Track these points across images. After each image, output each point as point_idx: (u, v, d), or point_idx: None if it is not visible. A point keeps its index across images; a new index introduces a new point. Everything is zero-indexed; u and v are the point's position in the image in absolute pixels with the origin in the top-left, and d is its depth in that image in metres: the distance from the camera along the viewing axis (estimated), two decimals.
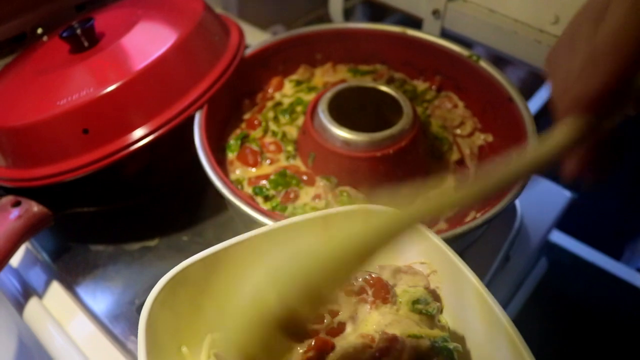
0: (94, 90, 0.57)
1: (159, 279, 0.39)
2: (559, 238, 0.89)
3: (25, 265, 0.66)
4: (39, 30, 0.78)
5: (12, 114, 0.60)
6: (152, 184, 0.66)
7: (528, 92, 1.27)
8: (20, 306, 0.61)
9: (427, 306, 0.39)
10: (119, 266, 0.64)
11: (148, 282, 0.62)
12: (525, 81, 1.30)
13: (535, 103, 1.19)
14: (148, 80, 0.59)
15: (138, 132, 0.58)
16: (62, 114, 0.57)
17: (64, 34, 0.64)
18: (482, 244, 0.64)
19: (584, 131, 0.30)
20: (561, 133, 0.31)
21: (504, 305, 0.71)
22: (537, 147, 0.32)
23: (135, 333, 0.50)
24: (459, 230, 0.49)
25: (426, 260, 0.43)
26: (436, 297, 0.41)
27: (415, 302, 0.39)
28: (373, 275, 0.40)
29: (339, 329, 0.38)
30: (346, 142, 0.57)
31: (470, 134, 0.66)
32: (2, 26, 0.76)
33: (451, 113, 0.67)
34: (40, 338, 0.59)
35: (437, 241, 0.41)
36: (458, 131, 0.66)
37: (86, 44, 0.64)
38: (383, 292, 0.39)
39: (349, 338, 0.37)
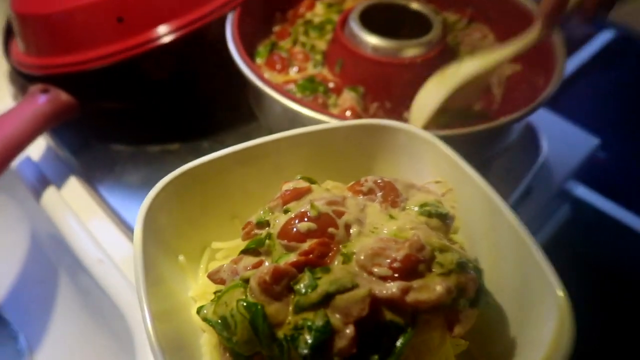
0: None
1: None
2: (585, 194, 0.88)
3: (45, 160, 0.67)
4: None
5: (47, 1, 0.61)
6: (179, 87, 0.66)
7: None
8: (37, 195, 0.62)
9: (437, 208, 0.37)
10: (139, 166, 0.64)
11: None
12: None
13: None
14: None
15: (172, 25, 0.58)
16: (100, 1, 0.57)
17: None
18: (506, 172, 0.64)
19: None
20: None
21: None
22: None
23: None
24: (484, 126, 0.49)
25: (441, 179, 0.41)
26: (451, 217, 0.38)
27: (424, 204, 0.37)
28: (384, 179, 0.38)
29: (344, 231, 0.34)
30: (375, 48, 0.57)
31: None
32: None
33: (480, 42, 0.67)
34: (57, 225, 0.59)
35: (454, 156, 0.39)
36: None
37: None
38: (393, 195, 0.37)
39: (356, 241, 0.33)
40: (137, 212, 0.57)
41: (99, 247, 0.57)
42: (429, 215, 0.36)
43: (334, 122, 0.44)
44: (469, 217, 0.39)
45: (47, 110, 0.59)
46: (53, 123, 0.60)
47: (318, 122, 0.49)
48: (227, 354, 0.32)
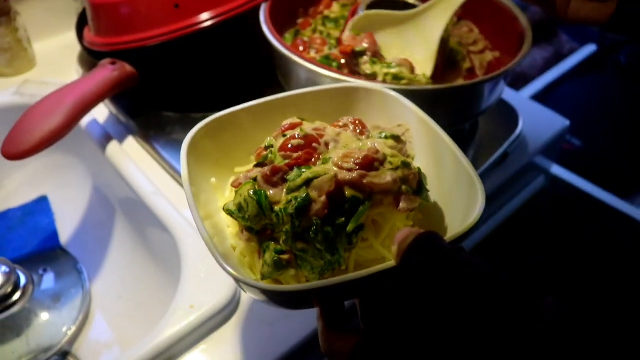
0: None
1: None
2: (559, 171, 1.02)
3: (108, 123, 0.81)
4: None
5: None
6: (219, 64, 0.80)
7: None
8: (103, 148, 0.76)
9: (392, 132, 0.50)
10: (185, 128, 0.78)
11: None
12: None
13: None
14: None
15: (217, 11, 0.73)
16: None
17: None
18: (488, 138, 0.78)
19: None
20: None
21: (498, 202, 0.84)
22: None
23: None
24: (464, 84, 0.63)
25: (402, 123, 0.55)
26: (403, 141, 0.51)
27: (383, 131, 0.50)
28: (357, 118, 0.52)
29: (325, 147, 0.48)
30: None
31: (482, 51, 0.80)
32: None
33: (467, 35, 0.82)
34: (119, 169, 0.73)
35: (412, 106, 0.53)
36: (472, 48, 0.80)
37: None
38: (361, 127, 0.51)
39: (332, 151, 0.47)
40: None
41: (153, 184, 0.71)
42: (386, 137, 0.49)
43: (326, 85, 0.58)
44: (421, 146, 0.53)
45: (115, 77, 0.73)
46: (118, 88, 0.74)
47: (334, 81, 0.63)
48: (244, 232, 0.46)
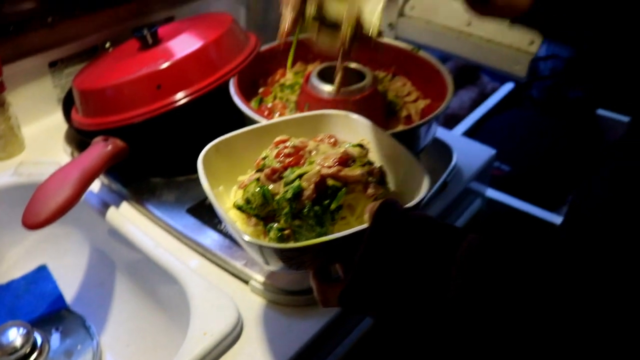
0: (164, 62, 0.87)
1: (201, 196, 0.78)
2: (496, 195, 1.19)
3: (103, 192, 0.92)
4: (107, 44, 1.08)
5: (104, 79, 0.89)
6: (198, 133, 0.93)
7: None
8: (102, 214, 0.87)
9: (357, 143, 0.67)
10: (172, 190, 0.90)
11: (193, 197, 0.88)
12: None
13: None
14: (197, 58, 0.89)
15: (194, 87, 0.87)
16: (144, 75, 0.86)
17: (137, 34, 0.94)
18: (429, 171, 0.93)
19: None
20: None
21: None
22: None
23: (183, 225, 0.83)
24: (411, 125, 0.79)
25: (364, 138, 0.72)
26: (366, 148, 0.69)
27: (350, 143, 0.66)
28: (330, 134, 0.69)
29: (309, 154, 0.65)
30: (329, 93, 0.86)
31: (415, 100, 0.96)
32: (82, 40, 1.06)
33: (402, 88, 0.98)
34: (119, 230, 0.84)
35: (372, 124, 0.72)
36: (407, 98, 0.96)
37: (151, 42, 0.94)
38: (334, 140, 0.68)
39: (315, 156, 0.64)
40: (175, 219, 0.83)
41: (153, 239, 0.82)
42: (353, 146, 0.66)
43: (305, 113, 0.75)
44: (379, 152, 0.70)
45: (109, 151, 0.85)
46: (113, 160, 0.86)
47: None
48: (251, 218, 0.62)
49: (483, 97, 1.69)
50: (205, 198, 0.85)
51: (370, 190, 0.61)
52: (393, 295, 0.49)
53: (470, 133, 1.48)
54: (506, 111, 1.57)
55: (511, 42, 1.02)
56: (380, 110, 0.92)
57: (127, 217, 0.87)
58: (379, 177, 0.63)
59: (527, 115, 1.52)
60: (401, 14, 1.06)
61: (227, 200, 0.68)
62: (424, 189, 0.60)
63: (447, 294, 0.45)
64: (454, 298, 0.45)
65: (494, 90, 1.71)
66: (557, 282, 0.45)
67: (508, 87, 1.67)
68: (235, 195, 0.67)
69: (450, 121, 1.58)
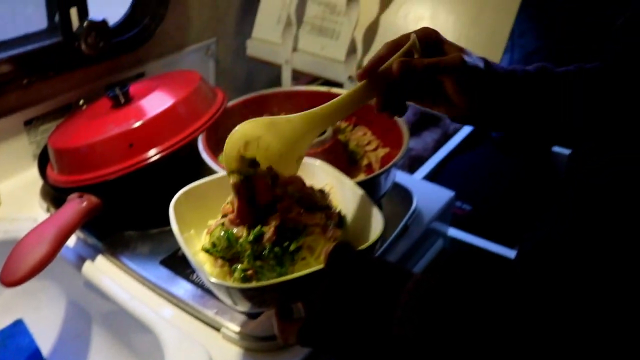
0: (136, 121, 0.92)
1: (174, 248, 0.82)
2: (458, 234, 1.25)
3: (78, 246, 0.96)
4: (81, 102, 1.13)
5: (78, 139, 0.93)
6: (168, 187, 0.98)
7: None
8: (78, 268, 0.90)
9: (320, 189, 0.73)
10: (146, 242, 0.94)
11: (166, 249, 0.92)
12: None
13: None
14: (167, 117, 0.94)
15: (164, 145, 0.91)
16: (117, 135, 0.90)
17: (110, 94, 0.99)
18: (391, 215, 0.99)
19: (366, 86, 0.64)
20: (358, 86, 0.64)
21: (406, 265, 1.04)
22: (348, 91, 0.65)
23: (157, 276, 0.86)
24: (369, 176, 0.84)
25: (327, 182, 0.78)
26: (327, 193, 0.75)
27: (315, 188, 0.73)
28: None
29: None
30: None
31: (375, 149, 1.02)
32: (56, 98, 1.11)
33: (362, 137, 1.04)
34: (95, 283, 0.88)
35: (335, 170, 0.77)
36: (367, 148, 1.02)
37: (123, 100, 0.99)
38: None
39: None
40: (149, 271, 0.87)
41: (128, 292, 0.86)
42: (315, 191, 0.71)
43: None
44: (341, 197, 0.75)
45: (84, 208, 0.89)
46: (88, 216, 0.90)
47: None
48: (218, 260, 0.66)
49: (446, 137, 1.77)
50: (178, 249, 0.90)
51: (329, 233, 0.66)
52: (345, 333, 0.54)
53: (433, 174, 1.55)
54: (468, 151, 1.65)
55: None
56: (342, 159, 0.97)
57: (102, 270, 0.90)
58: (338, 220, 0.69)
59: (487, 154, 1.60)
60: (359, 67, 1.13)
61: (197, 244, 0.72)
62: (377, 232, 0.65)
63: (391, 333, 0.50)
64: (397, 336, 0.50)
65: (456, 131, 1.79)
66: (495, 320, 0.49)
67: (469, 128, 1.75)
68: (205, 239, 0.72)
69: (414, 162, 1.65)
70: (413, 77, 0.61)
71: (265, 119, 0.66)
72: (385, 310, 0.51)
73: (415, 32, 0.63)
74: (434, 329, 0.50)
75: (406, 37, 0.64)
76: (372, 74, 0.63)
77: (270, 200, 0.66)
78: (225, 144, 0.66)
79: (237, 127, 0.66)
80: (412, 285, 0.52)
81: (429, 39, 0.64)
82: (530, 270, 0.61)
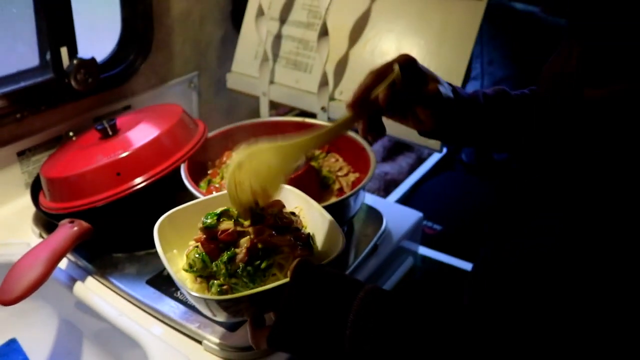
0: (123, 152, 0.99)
1: (159, 268, 0.89)
2: (428, 252, 1.33)
3: (69, 268, 1.03)
4: (71, 133, 1.20)
5: (69, 168, 1.01)
6: (153, 212, 1.05)
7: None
8: (70, 288, 0.97)
9: (292, 212, 0.81)
10: (133, 264, 1.01)
11: (152, 269, 0.99)
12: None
13: None
14: (151, 147, 1.02)
15: (149, 173, 0.99)
16: (106, 165, 0.98)
17: (98, 126, 1.07)
18: (362, 236, 1.07)
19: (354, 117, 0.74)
20: (344, 117, 0.73)
21: (377, 282, 1.11)
22: (334, 122, 0.76)
23: (144, 295, 0.92)
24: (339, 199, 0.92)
25: (298, 205, 0.85)
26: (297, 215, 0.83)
27: (286, 211, 0.80)
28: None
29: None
30: None
31: (346, 174, 1.10)
32: (47, 131, 1.18)
33: (334, 164, 1.12)
34: (86, 302, 0.94)
35: (304, 195, 0.84)
36: (339, 173, 1.11)
37: (110, 132, 1.07)
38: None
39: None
40: (136, 290, 0.93)
41: (118, 310, 0.92)
42: (286, 213, 0.78)
43: None
44: (310, 218, 0.82)
45: (75, 232, 0.96)
46: (79, 240, 0.97)
47: None
48: (197, 278, 0.74)
49: (420, 162, 1.86)
50: (163, 269, 0.97)
51: (297, 252, 0.73)
52: (306, 336, 0.61)
53: (405, 197, 1.63)
54: (440, 174, 1.74)
55: None
56: (314, 184, 1.06)
57: (92, 290, 0.97)
58: (306, 240, 0.76)
59: (458, 177, 1.69)
60: (332, 98, 1.22)
61: (180, 262, 0.80)
62: (337, 249, 0.73)
63: (344, 338, 0.58)
64: (350, 338, 0.58)
65: (430, 155, 1.89)
66: (444, 330, 0.57)
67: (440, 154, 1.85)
68: (185, 259, 0.79)
69: (390, 185, 1.74)
70: (396, 106, 0.71)
71: (265, 145, 0.73)
72: (340, 315, 0.59)
73: (397, 58, 0.72)
74: (383, 333, 0.58)
75: (388, 66, 0.71)
76: (362, 103, 0.71)
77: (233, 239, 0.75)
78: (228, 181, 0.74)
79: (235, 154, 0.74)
80: (364, 293, 0.60)
81: (408, 65, 0.72)
82: (487, 280, 0.70)
